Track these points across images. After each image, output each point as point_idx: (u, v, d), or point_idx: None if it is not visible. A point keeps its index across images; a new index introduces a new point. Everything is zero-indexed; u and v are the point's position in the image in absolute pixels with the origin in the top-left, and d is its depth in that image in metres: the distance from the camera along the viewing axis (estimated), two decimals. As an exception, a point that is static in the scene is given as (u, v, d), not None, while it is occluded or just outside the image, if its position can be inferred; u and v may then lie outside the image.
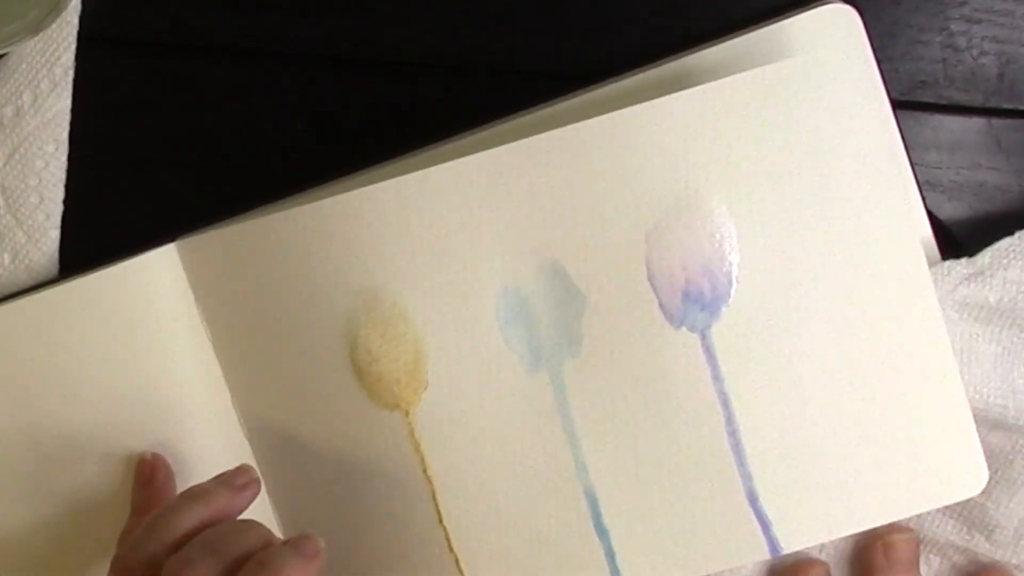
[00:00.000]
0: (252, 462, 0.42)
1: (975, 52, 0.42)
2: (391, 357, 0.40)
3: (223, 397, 0.42)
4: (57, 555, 0.42)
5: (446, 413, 0.40)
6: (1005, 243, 0.41)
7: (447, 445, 0.40)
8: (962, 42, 0.42)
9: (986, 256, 0.41)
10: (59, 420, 0.41)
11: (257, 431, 0.42)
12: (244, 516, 0.42)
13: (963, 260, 0.41)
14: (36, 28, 0.40)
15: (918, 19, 0.42)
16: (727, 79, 0.38)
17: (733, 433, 0.39)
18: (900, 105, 0.41)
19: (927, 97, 0.42)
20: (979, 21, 0.42)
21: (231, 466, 0.41)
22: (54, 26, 0.41)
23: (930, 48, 0.42)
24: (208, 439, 0.42)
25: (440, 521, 0.40)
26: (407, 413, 0.40)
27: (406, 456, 0.40)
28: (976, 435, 0.40)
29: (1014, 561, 0.43)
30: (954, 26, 0.42)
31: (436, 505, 0.40)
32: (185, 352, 0.41)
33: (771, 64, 0.38)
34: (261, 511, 0.42)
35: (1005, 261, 0.41)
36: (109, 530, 0.41)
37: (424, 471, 0.40)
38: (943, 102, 0.42)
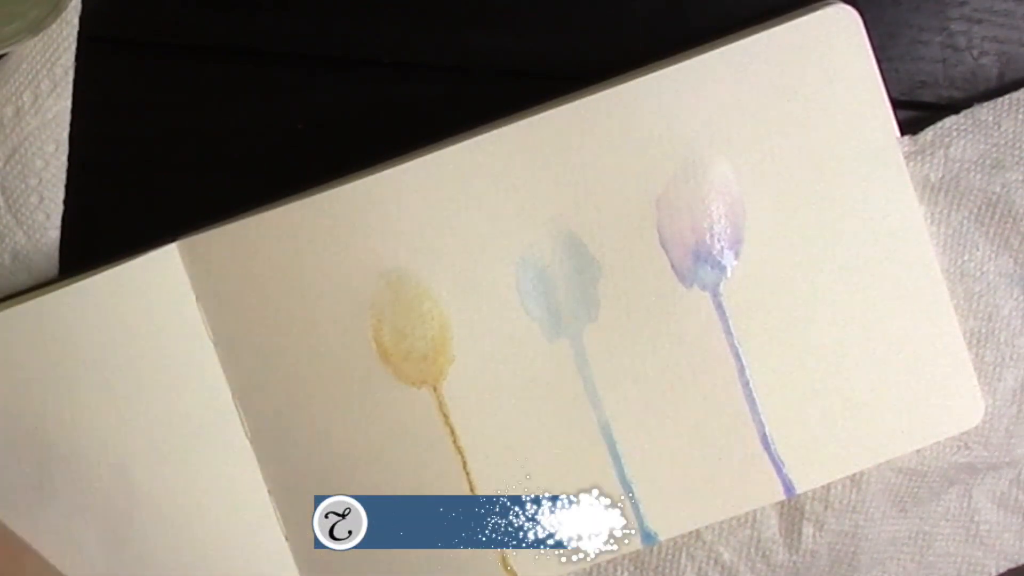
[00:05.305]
0: (254, 463, 0.42)
1: (975, 52, 0.42)
2: (419, 335, 0.41)
3: (224, 399, 0.42)
4: (60, 559, 0.42)
5: (473, 385, 0.41)
6: (949, 121, 0.41)
7: (475, 415, 0.42)
8: (962, 42, 0.42)
9: (928, 134, 0.41)
10: (62, 424, 0.41)
11: (260, 432, 0.42)
12: (246, 515, 0.42)
13: (906, 138, 0.41)
14: (36, 28, 0.39)
15: (918, 19, 0.42)
16: (722, 49, 0.40)
17: (746, 384, 0.41)
18: (900, 105, 0.41)
19: (927, 97, 0.42)
20: (979, 21, 0.42)
21: (232, 469, 0.42)
22: (54, 26, 0.41)
23: (930, 48, 0.42)
24: (209, 442, 0.42)
25: (472, 490, 0.42)
26: (435, 388, 0.41)
27: (437, 430, 0.42)
28: (972, 368, 0.42)
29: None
30: (954, 26, 0.42)
31: (468, 475, 0.42)
32: (186, 354, 0.41)
33: (766, 31, 0.40)
34: (263, 511, 0.42)
35: (947, 139, 0.41)
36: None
37: (455, 443, 0.42)
38: (943, 102, 0.42)
